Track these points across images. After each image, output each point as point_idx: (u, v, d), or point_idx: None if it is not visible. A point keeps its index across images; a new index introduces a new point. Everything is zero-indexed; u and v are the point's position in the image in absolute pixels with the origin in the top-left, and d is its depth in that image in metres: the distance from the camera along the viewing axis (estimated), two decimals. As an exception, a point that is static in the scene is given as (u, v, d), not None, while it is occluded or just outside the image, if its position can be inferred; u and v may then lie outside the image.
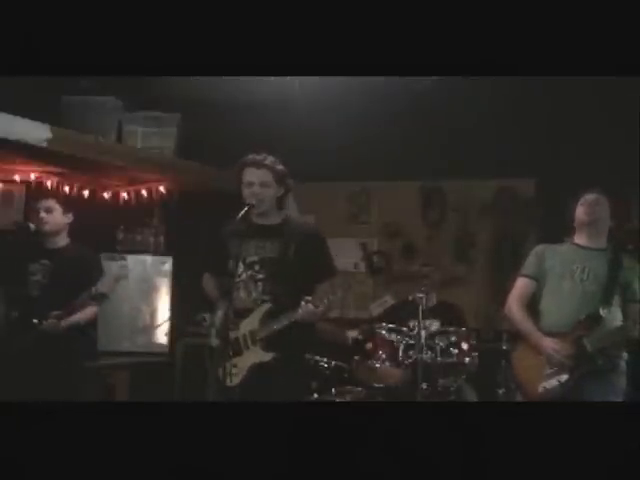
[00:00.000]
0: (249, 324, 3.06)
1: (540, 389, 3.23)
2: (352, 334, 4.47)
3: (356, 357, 4.39)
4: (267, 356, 3.03)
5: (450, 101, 4.54)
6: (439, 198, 5.81)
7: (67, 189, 4.99)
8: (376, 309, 3.81)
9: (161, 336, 5.09)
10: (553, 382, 3.22)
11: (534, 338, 3.31)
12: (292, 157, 3.29)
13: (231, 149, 3.28)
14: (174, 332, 5.00)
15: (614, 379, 3.24)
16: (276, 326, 3.01)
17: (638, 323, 3.14)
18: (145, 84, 4.29)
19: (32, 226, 3.88)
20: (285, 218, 3.21)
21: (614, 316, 3.24)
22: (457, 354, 4.21)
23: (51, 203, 3.92)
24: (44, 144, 4.08)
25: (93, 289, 3.80)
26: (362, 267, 5.73)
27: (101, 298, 3.87)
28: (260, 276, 3.08)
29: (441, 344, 4.21)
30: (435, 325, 4.34)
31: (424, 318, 4.16)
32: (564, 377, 3.20)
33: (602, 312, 3.21)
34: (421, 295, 4.17)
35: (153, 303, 5.13)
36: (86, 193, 5.16)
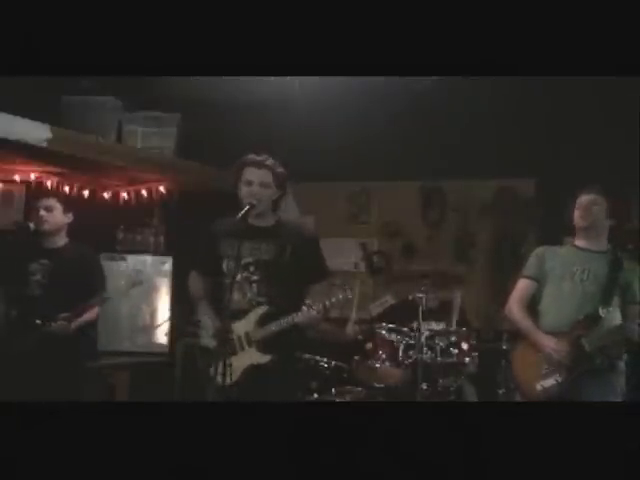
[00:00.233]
0: (244, 325, 3.05)
1: (538, 388, 3.25)
2: (351, 327, 4.47)
3: (356, 357, 4.39)
4: (264, 358, 3.03)
5: (450, 101, 4.54)
6: (439, 198, 5.81)
7: (67, 189, 4.99)
8: (376, 309, 3.80)
9: (161, 336, 5.09)
10: (551, 381, 3.24)
11: (533, 336, 3.33)
12: (292, 157, 3.29)
13: (231, 149, 3.28)
14: (174, 332, 5.00)
15: (612, 379, 3.25)
16: (275, 328, 3.01)
17: (637, 324, 3.14)
18: (145, 84, 4.29)
19: (32, 226, 3.88)
20: (278, 220, 3.20)
21: (613, 316, 3.24)
22: (457, 354, 4.21)
23: (51, 202, 3.93)
24: (44, 144, 4.09)
25: (105, 294, 3.81)
26: (362, 267, 5.73)
27: (107, 301, 3.89)
28: (255, 278, 3.07)
29: (441, 344, 4.21)
30: (435, 325, 4.34)
31: (424, 318, 4.16)
32: (562, 376, 3.21)
33: (601, 312, 3.22)
34: (421, 295, 4.17)
35: (153, 303, 5.13)
36: (86, 193, 5.16)
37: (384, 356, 4.25)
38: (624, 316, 3.27)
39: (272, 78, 4.02)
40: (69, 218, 3.97)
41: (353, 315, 4.32)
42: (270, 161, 3.11)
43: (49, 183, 4.91)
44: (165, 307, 5.12)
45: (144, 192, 5.29)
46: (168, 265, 5.15)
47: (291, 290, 3.09)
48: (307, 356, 4.34)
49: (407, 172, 5.50)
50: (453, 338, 4.25)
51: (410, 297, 4.24)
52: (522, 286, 3.49)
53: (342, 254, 5.74)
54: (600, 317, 3.21)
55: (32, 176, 4.85)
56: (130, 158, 4.81)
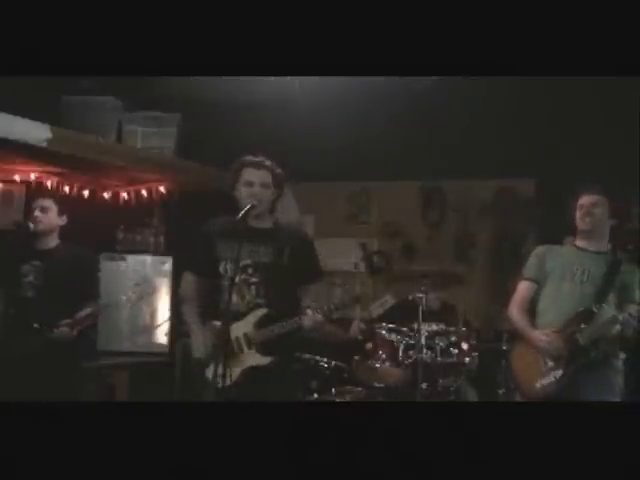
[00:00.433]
0: (243, 327, 3.05)
1: (537, 386, 3.27)
2: (356, 330, 4.47)
3: (356, 357, 4.39)
4: (264, 360, 3.03)
5: (450, 101, 4.54)
6: (439, 198, 5.82)
7: (67, 189, 4.99)
8: (376, 309, 3.79)
9: (161, 336, 5.10)
10: (549, 379, 3.26)
11: (527, 333, 3.37)
12: (292, 157, 3.29)
13: (231, 149, 3.28)
14: (174, 332, 5.00)
15: (610, 377, 3.27)
16: (277, 331, 3.01)
17: (629, 314, 3.15)
18: (145, 84, 4.29)
19: (32, 226, 3.88)
20: (276, 222, 3.20)
21: (606, 311, 3.26)
22: (457, 354, 4.21)
23: (47, 203, 3.91)
24: (44, 144, 4.08)
25: (104, 301, 3.80)
26: (362, 267, 5.74)
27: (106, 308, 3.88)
28: (254, 280, 3.07)
29: (441, 344, 4.21)
30: (435, 325, 4.34)
31: (424, 318, 4.16)
32: (559, 373, 3.23)
33: (594, 308, 3.25)
34: (421, 295, 4.17)
35: (153, 303, 5.13)
36: (86, 193, 5.16)
37: (384, 356, 4.26)
38: (619, 311, 3.28)
39: (272, 78, 4.02)
40: (63, 220, 3.95)
41: (357, 314, 4.33)
42: (268, 162, 3.11)
43: (49, 183, 4.91)
44: (165, 307, 5.12)
45: (144, 192, 5.29)
46: (168, 265, 5.15)
47: (289, 292, 3.09)
48: (307, 356, 4.34)
49: (407, 172, 5.50)
50: (453, 338, 4.25)
51: (410, 297, 4.24)
52: (522, 288, 3.52)
53: (342, 254, 5.75)
54: (594, 313, 3.24)
55: (32, 176, 4.85)
56: (130, 158, 4.81)
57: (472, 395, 4.38)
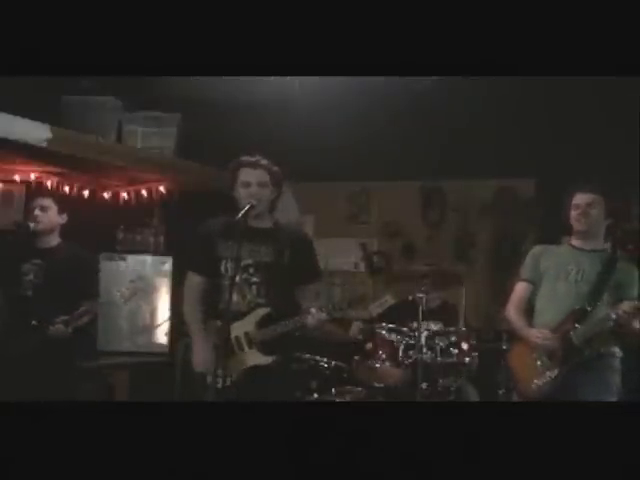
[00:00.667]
0: (244, 326, 3.05)
1: (533, 386, 3.29)
2: (356, 330, 4.47)
3: (356, 357, 4.39)
4: (265, 359, 3.03)
5: (450, 101, 4.53)
6: (439, 198, 5.82)
7: (67, 189, 4.99)
8: (376, 309, 3.79)
9: (161, 336, 5.09)
10: (545, 378, 3.28)
11: (525, 333, 3.39)
12: (292, 157, 3.29)
13: (231, 149, 3.28)
14: (174, 332, 4.99)
15: (608, 377, 3.27)
16: (280, 330, 3.01)
17: (622, 310, 3.14)
18: (145, 84, 4.28)
19: (32, 226, 3.88)
20: (276, 222, 3.20)
21: (601, 310, 3.26)
22: (457, 354, 4.21)
23: (47, 202, 3.92)
24: (44, 144, 4.08)
25: (101, 300, 3.80)
26: (362, 267, 5.74)
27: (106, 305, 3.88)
28: (254, 279, 3.07)
29: (441, 344, 4.21)
30: (435, 325, 4.34)
31: (424, 318, 4.15)
32: (554, 372, 3.25)
33: (588, 307, 3.26)
34: (421, 295, 4.17)
35: (153, 303, 5.13)
36: (86, 193, 5.16)
37: (384, 356, 4.25)
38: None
39: (272, 78, 4.01)
40: (63, 219, 3.96)
41: (358, 314, 4.33)
42: (264, 161, 3.11)
43: (49, 183, 4.91)
44: (165, 307, 5.12)
45: (144, 192, 5.29)
46: (168, 265, 5.14)
47: (290, 292, 3.10)
48: (307, 356, 4.34)
49: (407, 172, 5.50)
50: (453, 338, 4.25)
51: (410, 297, 4.24)
52: (519, 289, 3.54)
53: (342, 254, 5.75)
54: (587, 312, 3.25)
55: (32, 176, 4.85)
56: (130, 158, 4.80)
57: (472, 395, 4.38)
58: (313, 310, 2.97)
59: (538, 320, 3.41)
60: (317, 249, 3.31)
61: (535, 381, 3.30)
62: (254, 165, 3.08)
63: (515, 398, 3.53)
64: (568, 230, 3.48)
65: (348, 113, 4.67)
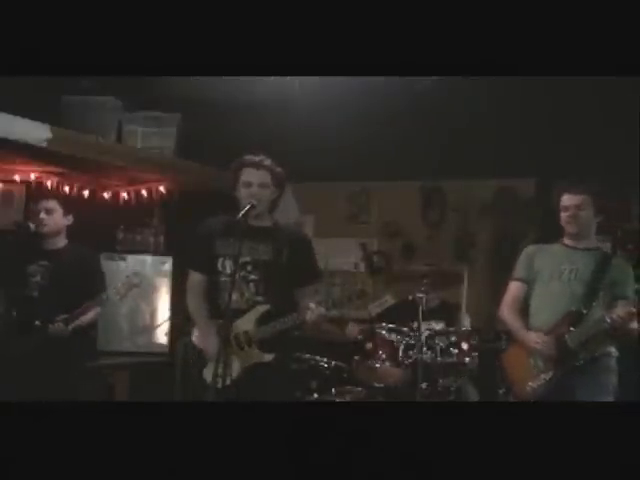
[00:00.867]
0: (243, 325, 3.05)
1: (528, 388, 3.28)
2: (353, 331, 4.47)
3: (356, 357, 4.39)
4: (265, 357, 3.03)
5: (450, 101, 4.53)
6: (439, 198, 5.82)
7: (67, 189, 4.99)
8: (376, 309, 3.80)
9: (161, 336, 5.10)
10: (539, 380, 3.26)
11: (520, 335, 3.38)
12: (292, 157, 3.28)
13: (231, 149, 3.28)
14: (174, 332, 5.00)
15: (603, 377, 3.25)
16: (279, 327, 3.01)
17: (617, 315, 3.12)
18: (145, 84, 4.28)
19: (32, 226, 3.88)
20: (275, 221, 3.21)
21: (596, 312, 3.24)
22: (457, 354, 4.21)
23: (52, 204, 3.93)
24: (44, 144, 4.09)
25: (104, 296, 3.81)
26: (362, 267, 5.74)
27: (107, 302, 3.89)
28: (253, 277, 3.07)
29: (441, 344, 4.21)
30: (435, 325, 4.34)
31: (424, 318, 4.16)
32: (549, 374, 3.24)
33: (583, 310, 3.23)
34: (421, 295, 4.17)
35: (153, 303, 5.13)
36: (86, 193, 5.16)
37: (384, 356, 4.25)
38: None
39: (272, 78, 4.01)
40: (69, 220, 3.97)
41: (355, 314, 4.34)
42: (268, 161, 3.11)
43: (49, 183, 4.91)
44: (165, 307, 5.12)
45: (144, 192, 5.29)
46: (168, 265, 5.15)
47: (288, 290, 3.10)
48: (307, 356, 4.34)
49: (407, 172, 5.50)
50: (453, 338, 4.25)
51: (410, 297, 4.24)
52: (513, 289, 3.53)
53: (342, 254, 5.75)
54: (583, 314, 3.23)
55: (32, 176, 4.86)
56: (130, 158, 4.80)
57: (472, 395, 4.38)
58: (312, 305, 2.97)
59: (534, 321, 3.40)
60: (317, 249, 3.31)
61: (530, 383, 3.28)
62: (257, 165, 3.09)
63: (511, 399, 3.50)
64: (560, 230, 3.47)
65: (348, 113, 4.67)
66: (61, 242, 3.96)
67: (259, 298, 3.07)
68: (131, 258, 5.09)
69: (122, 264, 5.03)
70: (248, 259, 3.05)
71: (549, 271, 3.39)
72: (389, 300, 3.73)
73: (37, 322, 3.72)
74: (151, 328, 5.10)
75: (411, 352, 4.18)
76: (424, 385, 4.09)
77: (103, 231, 5.08)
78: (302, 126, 4.80)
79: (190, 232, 3.35)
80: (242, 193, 3.08)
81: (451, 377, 4.24)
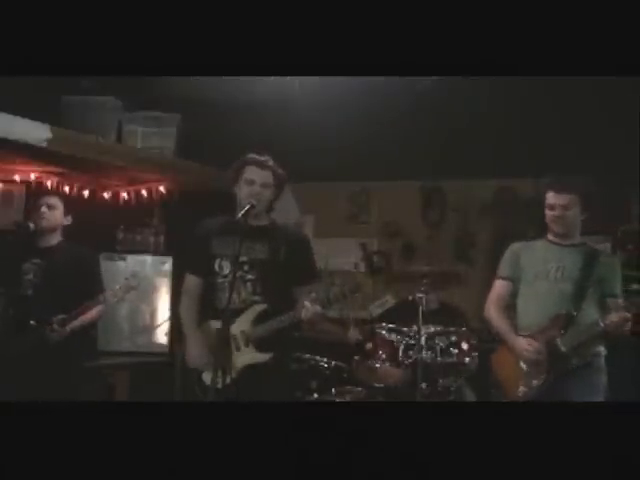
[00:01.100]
0: (240, 325, 3.05)
1: (519, 393, 3.22)
2: (353, 333, 4.47)
3: (356, 357, 4.39)
4: (263, 357, 3.03)
5: (450, 101, 4.53)
6: (439, 198, 5.82)
7: (67, 189, 4.99)
8: (376, 309, 3.80)
9: (161, 336, 5.10)
10: (530, 385, 3.20)
11: (509, 340, 3.31)
12: (292, 157, 3.28)
13: (231, 149, 3.28)
14: (174, 332, 5.00)
15: (593, 378, 3.20)
16: (276, 325, 3.01)
17: (612, 319, 3.07)
18: (145, 84, 4.28)
19: (32, 226, 3.87)
20: (272, 221, 3.21)
21: (587, 313, 3.20)
22: (457, 354, 4.21)
23: (54, 200, 3.93)
24: (44, 144, 4.08)
25: (101, 297, 3.80)
26: (362, 267, 5.74)
27: (106, 302, 3.88)
28: (250, 277, 3.07)
29: (441, 344, 4.21)
30: (435, 325, 4.34)
31: (424, 318, 4.15)
32: (541, 378, 3.17)
33: (574, 312, 3.17)
34: (421, 295, 4.16)
35: (153, 303, 5.13)
36: (86, 193, 5.16)
37: (384, 356, 4.25)
38: (603, 310, 3.22)
39: (272, 78, 4.02)
40: (68, 220, 3.96)
41: (356, 314, 4.34)
42: (272, 162, 3.12)
43: (49, 183, 4.91)
44: (165, 307, 5.12)
45: (144, 192, 5.29)
46: (168, 265, 5.15)
47: (285, 290, 3.10)
48: (307, 356, 4.34)
49: (407, 172, 5.50)
50: (453, 338, 4.25)
51: (410, 297, 4.24)
52: (498, 287, 3.48)
53: (342, 254, 5.74)
54: (574, 316, 3.17)
55: (32, 176, 4.85)
56: (130, 158, 4.80)
57: (472, 395, 4.38)
58: (307, 303, 2.96)
59: (522, 322, 3.33)
60: (317, 249, 3.31)
61: (521, 388, 3.22)
62: (261, 165, 3.09)
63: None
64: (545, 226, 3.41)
65: (348, 113, 4.67)
66: (54, 239, 3.94)
67: (256, 298, 3.07)
68: (131, 258, 5.09)
69: (122, 264, 5.03)
70: (245, 259, 3.04)
71: (535, 270, 3.32)
72: (389, 300, 3.74)
73: (32, 321, 3.71)
74: (151, 328, 5.10)
75: (411, 352, 4.17)
76: (424, 385, 4.09)
77: (103, 231, 5.08)
78: (302, 126, 4.80)
79: (190, 232, 3.35)
80: (243, 190, 3.08)
81: (451, 377, 4.23)
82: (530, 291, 3.33)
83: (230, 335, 2.96)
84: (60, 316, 3.71)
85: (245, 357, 3.04)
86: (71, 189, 5.03)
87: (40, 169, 4.78)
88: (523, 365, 3.24)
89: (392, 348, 4.25)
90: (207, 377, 3.01)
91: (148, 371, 4.83)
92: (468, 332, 4.35)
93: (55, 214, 3.90)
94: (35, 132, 4.05)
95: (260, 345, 3.04)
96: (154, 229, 5.44)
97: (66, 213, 3.95)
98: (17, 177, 4.89)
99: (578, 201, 3.26)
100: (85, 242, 4.06)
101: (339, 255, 5.67)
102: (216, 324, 3.06)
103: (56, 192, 4.62)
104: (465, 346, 4.23)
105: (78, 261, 3.93)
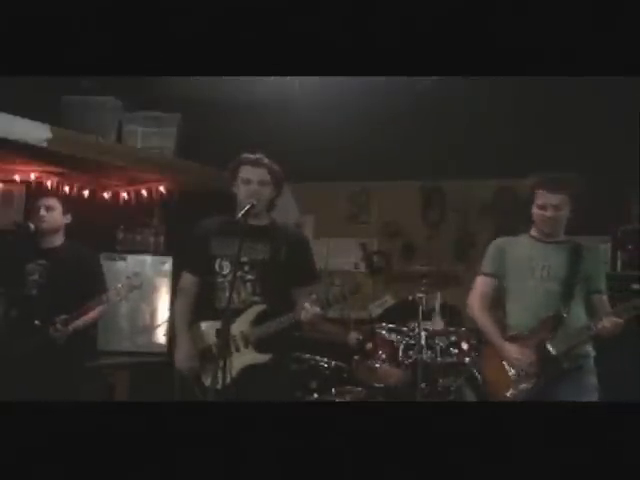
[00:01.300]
0: (239, 325, 3.05)
1: (509, 395, 3.16)
2: (354, 335, 4.47)
3: (356, 357, 4.39)
4: (262, 358, 3.03)
5: (450, 101, 4.53)
6: (439, 198, 5.83)
7: (67, 189, 5.00)
8: (376, 309, 3.80)
9: (161, 336, 5.10)
10: (521, 388, 3.14)
11: (497, 343, 3.24)
12: (292, 157, 3.28)
13: (231, 149, 3.28)
14: (174, 332, 4.99)
15: (583, 379, 3.14)
16: (275, 326, 3.01)
17: (601, 321, 3.02)
18: (145, 84, 4.29)
19: (32, 226, 3.88)
20: (272, 220, 3.21)
21: (577, 315, 3.16)
22: (457, 354, 4.21)
23: (52, 202, 3.93)
24: (44, 144, 4.09)
25: (104, 297, 3.80)
26: (362, 267, 5.74)
27: (109, 302, 3.88)
28: (249, 277, 3.06)
29: (441, 344, 4.21)
30: (435, 325, 4.34)
31: (424, 318, 4.16)
32: (531, 384, 3.12)
33: (563, 312, 3.12)
34: (421, 295, 4.17)
35: (153, 303, 5.13)
36: (86, 193, 5.16)
37: (384, 356, 4.26)
38: (589, 309, 3.19)
39: (272, 78, 4.02)
40: (68, 219, 3.97)
41: (356, 315, 4.33)
42: (266, 160, 3.11)
43: (49, 183, 4.92)
44: (165, 307, 5.12)
45: (144, 192, 5.29)
46: (168, 265, 5.15)
47: (285, 290, 3.10)
48: (307, 356, 4.34)
49: (407, 172, 5.50)
50: (453, 338, 4.25)
51: (410, 297, 4.24)
52: (481, 283, 3.39)
53: (342, 254, 5.75)
54: (563, 317, 3.12)
55: (32, 176, 4.86)
56: (130, 158, 4.81)
57: (472, 395, 4.38)
58: (307, 305, 2.96)
59: (511, 323, 3.27)
60: (317, 249, 3.31)
61: (511, 391, 3.15)
62: (255, 163, 3.09)
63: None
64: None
65: (348, 113, 4.68)
66: (58, 240, 3.95)
67: (256, 298, 3.06)
68: (131, 258, 5.09)
69: (122, 264, 5.03)
70: (245, 259, 3.04)
71: (520, 268, 3.26)
72: (389, 300, 3.74)
73: (37, 322, 3.71)
74: (151, 328, 5.10)
75: (411, 352, 4.18)
76: (424, 385, 4.09)
77: (103, 231, 5.08)
78: (302, 126, 4.81)
79: (190, 232, 3.35)
80: (242, 190, 3.07)
81: (451, 377, 4.23)
82: (517, 291, 3.27)
83: (228, 336, 2.95)
84: (63, 316, 3.72)
85: (245, 357, 3.04)
86: (71, 189, 5.03)
87: (40, 169, 4.78)
88: (512, 372, 3.18)
89: (392, 348, 4.25)
90: (206, 377, 3.02)
91: (148, 371, 4.83)
92: (468, 332, 4.35)
93: (54, 215, 3.90)
94: (35, 132, 4.05)
95: (260, 346, 3.04)
96: (154, 229, 5.45)
97: (65, 212, 3.95)
98: (17, 177, 4.89)
99: (569, 201, 3.21)
100: (85, 242, 4.06)
101: (339, 255, 5.68)
102: (207, 325, 3.07)
103: (54, 193, 4.61)
104: (465, 346, 4.23)
105: (82, 261, 3.94)
